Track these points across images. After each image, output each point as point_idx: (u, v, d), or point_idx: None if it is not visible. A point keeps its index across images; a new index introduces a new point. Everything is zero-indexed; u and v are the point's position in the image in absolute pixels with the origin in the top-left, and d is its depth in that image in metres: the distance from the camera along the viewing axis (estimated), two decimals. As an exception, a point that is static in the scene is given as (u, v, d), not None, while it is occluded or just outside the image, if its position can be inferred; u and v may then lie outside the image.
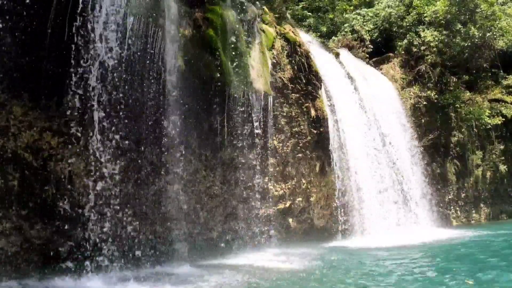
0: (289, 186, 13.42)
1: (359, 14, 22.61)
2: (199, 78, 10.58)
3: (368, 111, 16.45)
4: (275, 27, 13.91)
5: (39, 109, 8.08)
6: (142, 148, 9.37)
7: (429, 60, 20.41)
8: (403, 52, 20.87)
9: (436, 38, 20.18)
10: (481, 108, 20.47)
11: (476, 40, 20.26)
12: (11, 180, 7.74)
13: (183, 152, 10.13)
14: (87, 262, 8.07)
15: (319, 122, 14.22)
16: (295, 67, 13.88)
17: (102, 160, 8.38)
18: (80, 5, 7.95)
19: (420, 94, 19.94)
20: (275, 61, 13.21)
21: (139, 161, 9.34)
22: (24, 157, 7.91)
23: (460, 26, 20.28)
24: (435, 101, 19.98)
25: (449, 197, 20.06)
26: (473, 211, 20.67)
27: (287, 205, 13.29)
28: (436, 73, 20.43)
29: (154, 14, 9.30)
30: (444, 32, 20.36)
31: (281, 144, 13.25)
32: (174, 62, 9.83)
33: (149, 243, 9.53)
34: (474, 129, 20.57)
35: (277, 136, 13.09)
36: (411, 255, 11.14)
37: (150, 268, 9.15)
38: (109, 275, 8.11)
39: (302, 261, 10.22)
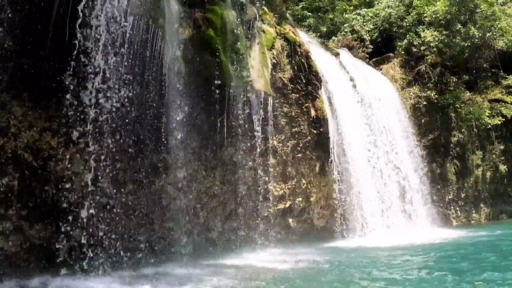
0: (289, 186, 13.42)
1: (359, 14, 22.62)
2: (199, 78, 10.58)
3: (368, 111, 16.46)
4: (275, 27, 13.91)
5: (39, 109, 8.08)
6: (142, 148, 9.38)
7: (429, 60, 20.42)
8: (403, 52, 20.88)
9: (436, 38, 20.19)
10: (481, 108, 20.47)
11: (476, 40, 20.27)
12: (11, 180, 7.75)
13: (183, 152, 10.13)
14: (87, 262, 8.08)
15: (319, 122, 14.22)
16: (295, 67, 13.88)
17: (102, 160, 8.38)
18: (81, 6, 7.95)
19: (420, 94, 19.95)
20: (275, 61, 13.21)
21: (139, 161, 9.35)
22: (24, 157, 7.92)
23: (460, 26, 20.29)
24: (435, 101, 19.99)
25: (449, 197, 20.06)
26: (473, 211, 20.68)
27: (287, 205, 13.30)
28: (436, 73, 20.45)
29: (154, 14, 9.30)
30: (444, 32, 20.37)
31: (281, 144, 13.25)
32: (174, 62, 9.84)
33: (149, 243, 9.53)
34: (474, 129, 20.57)
35: (277, 136, 13.09)
36: (411, 255, 11.14)
37: (150, 268, 9.15)
38: (109, 275, 8.11)
39: (302, 261, 10.21)
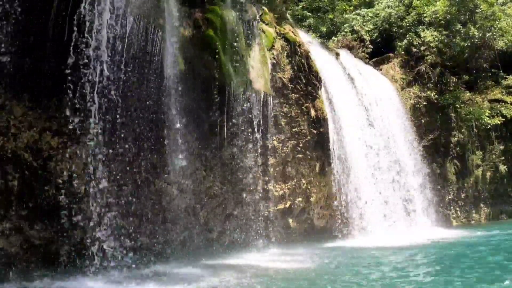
0: (289, 186, 13.42)
1: (359, 14, 22.61)
2: (199, 78, 10.59)
3: (368, 112, 16.46)
4: (275, 28, 13.91)
5: (39, 109, 8.08)
6: (142, 148, 9.37)
7: (429, 60, 20.42)
8: (403, 52, 20.88)
9: (436, 38, 20.19)
10: (481, 108, 20.46)
11: (476, 40, 20.26)
12: (11, 180, 7.75)
13: (183, 152, 10.13)
14: (87, 262, 8.07)
15: (319, 122, 14.22)
16: (295, 67, 13.88)
17: (102, 160, 8.37)
18: (81, 6, 7.95)
19: (420, 94, 19.95)
20: (275, 61, 13.21)
21: (139, 161, 9.35)
22: (24, 157, 7.92)
23: (460, 26, 20.29)
24: (435, 101, 19.98)
25: (449, 197, 20.06)
26: (473, 211, 20.67)
27: (287, 205, 13.29)
28: (436, 73, 20.44)
29: (154, 14, 9.30)
30: (444, 32, 20.37)
31: (281, 144, 13.25)
32: (174, 62, 9.84)
33: (149, 243, 9.53)
34: (474, 129, 20.57)
35: (277, 136, 13.09)
36: (410, 256, 11.14)
37: (150, 268, 9.15)
38: (109, 275, 8.11)
39: (302, 262, 10.21)
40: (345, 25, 21.97)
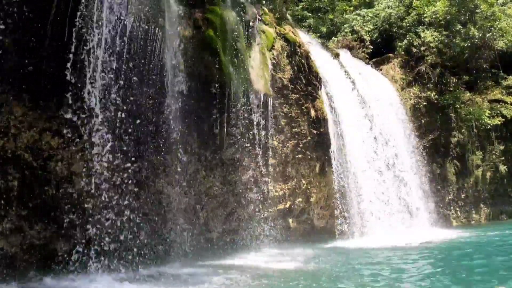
0: (289, 187, 13.42)
1: (359, 14, 22.63)
2: (199, 79, 10.59)
3: (368, 112, 16.46)
4: (275, 28, 13.92)
5: (39, 109, 8.07)
6: (142, 149, 9.37)
7: (429, 60, 20.43)
8: (403, 52, 20.89)
9: (436, 39, 20.20)
10: (481, 108, 20.48)
11: (476, 40, 20.28)
12: (11, 180, 7.74)
13: (183, 153, 10.14)
14: (87, 263, 8.07)
15: (319, 123, 14.22)
16: (295, 67, 13.89)
17: (102, 160, 8.37)
18: (80, 6, 7.95)
19: (420, 95, 19.96)
20: (275, 62, 13.21)
21: (139, 161, 9.34)
22: (24, 157, 7.91)
23: (460, 26, 20.30)
24: (435, 101, 20.00)
25: (449, 197, 20.06)
26: (473, 212, 20.68)
27: (287, 205, 13.30)
28: (436, 74, 20.46)
29: (154, 14, 9.30)
30: (444, 32, 20.38)
31: (281, 145, 13.25)
32: (174, 63, 9.84)
33: (149, 243, 9.52)
34: (474, 130, 20.58)
35: (277, 136, 13.09)
36: (410, 256, 11.14)
37: (150, 268, 9.14)
38: (109, 275, 8.10)
39: (302, 262, 10.21)
40: (345, 26, 22.00)
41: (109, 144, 8.44)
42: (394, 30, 21.48)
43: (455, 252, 11.70)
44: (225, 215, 11.57)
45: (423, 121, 19.83)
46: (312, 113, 14.09)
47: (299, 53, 14.12)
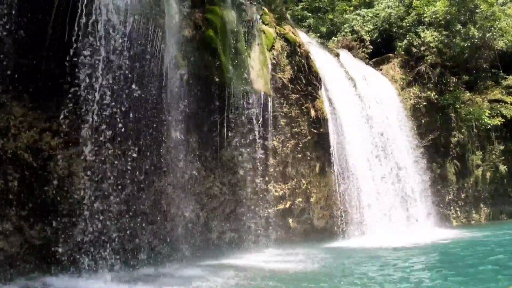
0: (289, 187, 13.42)
1: (359, 14, 22.63)
2: (199, 79, 10.58)
3: (368, 112, 16.46)
4: (275, 28, 13.92)
5: (39, 109, 8.08)
6: (142, 149, 9.37)
7: (429, 60, 20.43)
8: (403, 52, 20.89)
9: (436, 39, 20.20)
10: (481, 108, 20.47)
11: (476, 40, 20.27)
12: (11, 180, 7.74)
13: (183, 153, 10.13)
14: (87, 263, 8.07)
15: (319, 123, 14.22)
16: (295, 67, 13.89)
17: (102, 160, 8.37)
18: (81, 6, 7.95)
19: (420, 95, 19.96)
20: (275, 62, 13.21)
21: (139, 161, 9.34)
22: (24, 157, 7.92)
23: (460, 26, 20.30)
24: (435, 101, 19.99)
25: (449, 197, 20.06)
26: (473, 211, 20.68)
27: (287, 205, 13.30)
28: (436, 74, 20.45)
29: (154, 14, 9.30)
30: (444, 32, 20.38)
31: (281, 145, 13.25)
32: (174, 63, 9.84)
33: (149, 243, 9.53)
34: (474, 130, 20.58)
35: (277, 136, 13.09)
36: (410, 256, 11.13)
37: (150, 268, 9.14)
38: (109, 275, 8.10)
39: (302, 262, 10.21)
40: (345, 26, 22.00)
41: (109, 144, 8.44)
42: (394, 30, 21.48)
43: (456, 252, 11.69)
44: (225, 215, 11.56)
45: (423, 121, 19.83)
46: (312, 113, 14.09)
47: (299, 53, 14.12)
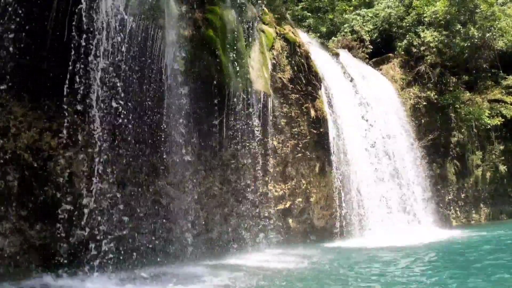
0: (289, 187, 13.42)
1: (358, 14, 22.65)
2: (198, 79, 10.58)
3: (368, 112, 16.47)
4: (275, 28, 13.92)
5: (39, 109, 8.08)
6: (142, 148, 9.37)
7: (429, 60, 20.44)
8: (402, 52, 20.90)
9: (436, 39, 20.21)
10: (481, 108, 20.48)
11: (476, 40, 20.28)
12: (11, 180, 7.74)
13: (183, 153, 10.13)
14: (87, 263, 8.07)
15: (319, 123, 14.22)
16: (295, 67, 13.89)
17: (102, 160, 8.37)
18: (80, 6, 7.95)
19: (420, 95, 19.96)
20: (275, 62, 13.21)
21: (139, 161, 9.34)
22: (24, 157, 7.91)
23: (459, 26, 20.30)
24: (435, 101, 20.00)
25: (449, 197, 20.06)
26: (473, 212, 20.68)
27: (287, 205, 13.30)
28: (436, 74, 20.46)
29: (154, 14, 9.30)
30: (444, 32, 20.39)
31: (281, 145, 13.25)
32: (174, 62, 9.84)
33: (149, 243, 9.52)
34: (474, 130, 20.59)
35: (277, 136, 13.09)
36: (410, 256, 11.14)
37: (149, 268, 9.13)
38: (109, 275, 8.10)
39: (302, 262, 10.21)
40: (345, 25, 22.02)
41: (109, 144, 8.44)
42: (394, 30, 21.49)
43: (455, 252, 11.70)
44: (225, 215, 11.56)
45: (423, 121, 19.84)
46: (312, 113, 14.09)
47: (299, 53, 14.13)
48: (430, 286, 7.65)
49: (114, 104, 8.46)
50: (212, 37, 10.87)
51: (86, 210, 8.22)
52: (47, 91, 8.07)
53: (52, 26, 7.90)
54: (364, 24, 21.98)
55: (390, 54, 21.02)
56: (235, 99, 11.33)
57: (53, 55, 7.99)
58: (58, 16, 7.90)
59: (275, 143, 12.98)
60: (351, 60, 18.30)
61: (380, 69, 20.08)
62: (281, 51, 13.65)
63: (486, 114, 20.39)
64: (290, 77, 13.68)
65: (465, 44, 20.23)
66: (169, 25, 9.70)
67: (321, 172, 14.34)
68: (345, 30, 21.75)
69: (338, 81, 16.06)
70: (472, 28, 20.10)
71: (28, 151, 7.96)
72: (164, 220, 9.89)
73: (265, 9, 13.97)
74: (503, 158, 21.19)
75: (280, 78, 13.35)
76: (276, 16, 14.55)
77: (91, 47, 8.11)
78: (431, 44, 20.24)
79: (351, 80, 16.64)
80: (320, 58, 15.53)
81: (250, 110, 11.78)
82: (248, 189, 11.86)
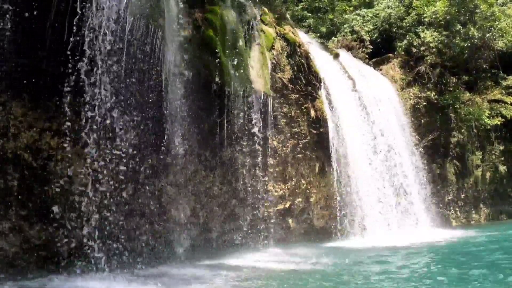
0: (289, 187, 13.42)
1: (358, 14, 22.64)
2: (199, 79, 10.58)
3: (367, 112, 16.47)
4: (275, 28, 13.92)
5: (39, 109, 8.08)
6: (142, 148, 9.37)
7: (429, 60, 20.43)
8: (402, 52, 20.90)
9: (436, 39, 20.20)
10: (480, 108, 20.48)
11: (476, 40, 20.28)
12: (11, 180, 7.74)
13: (183, 153, 10.13)
14: (87, 263, 8.06)
15: (319, 123, 14.22)
16: (295, 67, 13.89)
17: (102, 160, 8.37)
18: (80, 5, 7.95)
19: (419, 95, 19.96)
20: (275, 62, 13.21)
21: (139, 161, 9.34)
22: (24, 157, 7.91)
23: (459, 26, 20.30)
24: (435, 101, 20.00)
25: (449, 197, 20.07)
26: (473, 212, 20.69)
27: (287, 205, 13.30)
28: (436, 74, 20.47)
29: (154, 14, 9.30)
30: (444, 32, 20.39)
31: (280, 145, 13.25)
32: (174, 63, 9.84)
33: (148, 243, 9.53)
34: (474, 130, 20.59)
35: (276, 136, 13.09)
36: (410, 256, 11.15)
37: (149, 268, 9.14)
38: (108, 275, 8.10)
39: (302, 262, 10.22)
40: (345, 26, 22.01)
41: (109, 144, 8.44)
42: (394, 30, 21.49)
43: (455, 252, 11.70)
44: (225, 215, 11.56)
45: (423, 121, 19.84)
46: (312, 113, 14.09)
47: (299, 53, 14.13)
48: (430, 286, 7.66)
49: (114, 104, 8.46)
50: (212, 37, 10.87)
51: (86, 210, 8.22)
52: (47, 91, 8.07)
53: (52, 26, 7.89)
54: (364, 24, 21.98)
55: (390, 54, 21.02)
56: (235, 99, 11.33)
57: (53, 55, 7.99)
58: (57, 16, 7.90)
59: (275, 143, 12.98)
60: (351, 60, 18.30)
61: (380, 69, 20.08)
62: (281, 51, 13.65)
63: (486, 114, 20.40)
64: (290, 77, 13.69)
65: (465, 44, 20.23)
66: (169, 25, 9.70)
67: (321, 172, 14.34)
68: (345, 30, 21.75)
69: (338, 81, 16.06)
70: (472, 28, 20.10)
71: (28, 151, 7.96)
72: (163, 220, 9.89)
73: (265, 9, 13.97)
74: (502, 158, 21.20)
75: (280, 78, 13.35)
76: (276, 16, 14.55)
77: (91, 47, 8.11)
78: (431, 44, 20.24)
79: (351, 80, 16.63)
80: (320, 58, 15.53)
81: (250, 110, 11.78)
82: (248, 189, 11.86)
